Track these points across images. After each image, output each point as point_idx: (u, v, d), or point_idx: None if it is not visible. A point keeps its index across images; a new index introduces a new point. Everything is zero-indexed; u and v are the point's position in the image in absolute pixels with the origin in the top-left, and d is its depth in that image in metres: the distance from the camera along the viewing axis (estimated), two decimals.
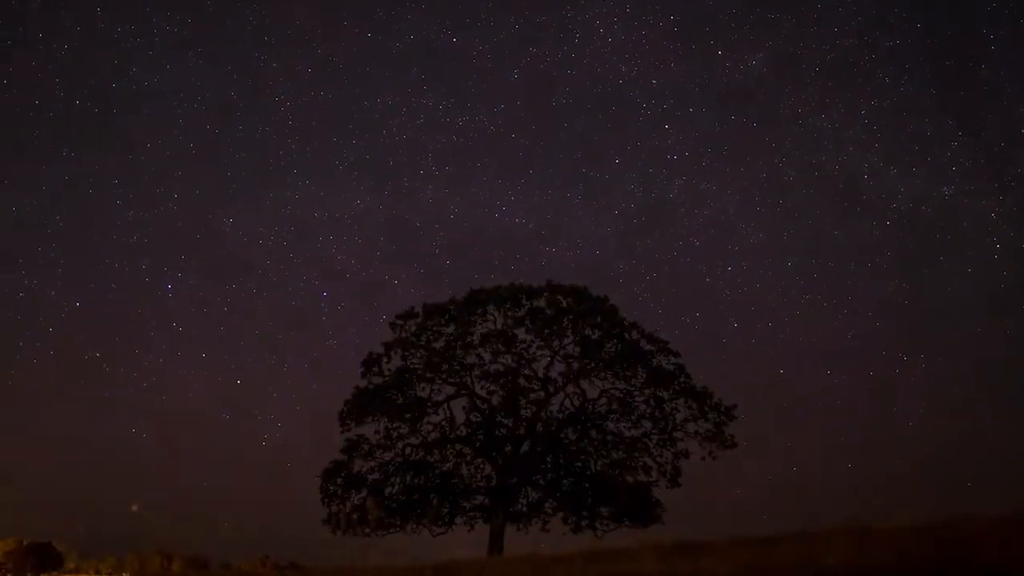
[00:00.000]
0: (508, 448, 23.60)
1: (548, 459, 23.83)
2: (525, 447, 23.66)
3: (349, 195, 44.80)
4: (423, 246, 45.07)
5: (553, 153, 44.89)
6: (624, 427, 23.85)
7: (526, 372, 23.78)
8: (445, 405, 23.99)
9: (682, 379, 23.92)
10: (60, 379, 44.70)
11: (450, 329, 24.40)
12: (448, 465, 23.77)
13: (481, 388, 23.87)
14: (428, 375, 23.87)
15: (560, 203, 44.60)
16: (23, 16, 42.92)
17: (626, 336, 23.87)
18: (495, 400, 23.67)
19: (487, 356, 23.90)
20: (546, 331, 23.90)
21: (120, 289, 45.17)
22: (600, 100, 44.36)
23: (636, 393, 23.79)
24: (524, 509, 23.58)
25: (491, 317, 24.45)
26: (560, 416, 23.80)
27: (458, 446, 23.95)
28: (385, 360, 24.57)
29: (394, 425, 23.66)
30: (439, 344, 24.28)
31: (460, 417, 23.99)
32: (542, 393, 23.68)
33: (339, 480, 23.53)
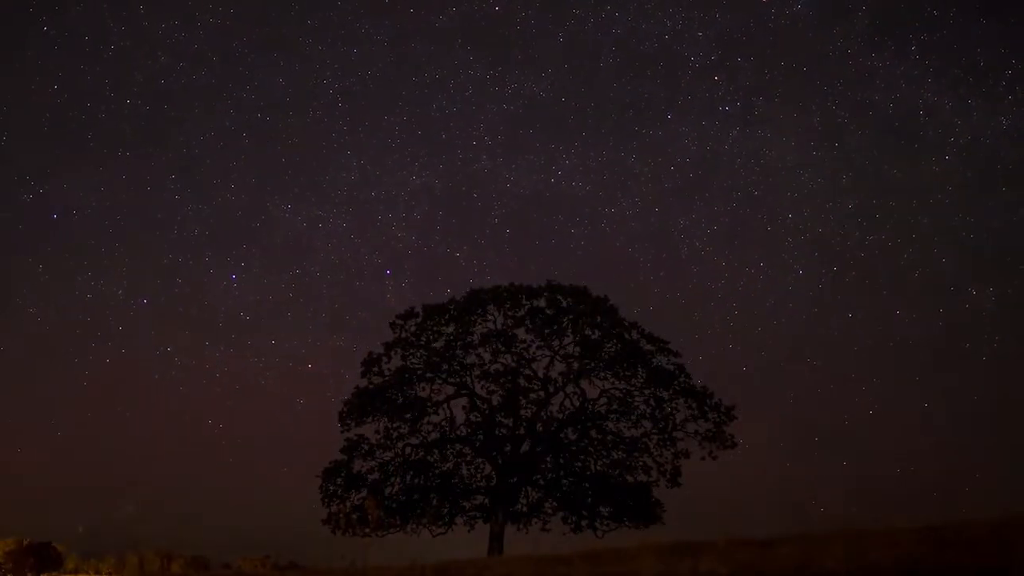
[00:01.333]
0: (508, 448, 23.61)
1: (548, 459, 23.85)
2: (525, 447, 23.68)
3: (404, 172, 45.01)
4: (482, 217, 45.48)
5: (604, 114, 45.14)
6: (624, 427, 23.90)
7: (526, 372, 23.80)
8: (445, 405, 24.02)
9: (682, 379, 23.95)
10: (136, 376, 45.26)
11: (450, 329, 24.43)
12: (448, 465, 23.79)
13: (481, 388, 23.92)
14: (428, 375, 23.89)
15: (615, 163, 44.91)
16: (67, 19, 43.40)
17: (626, 336, 23.89)
18: (495, 400, 23.70)
19: (487, 356, 23.94)
20: (546, 331, 23.92)
21: (187, 281, 45.83)
22: (647, 57, 44.68)
23: (636, 393, 23.82)
24: (524, 509, 23.60)
25: (491, 317, 24.48)
26: (560, 416, 23.82)
27: (458, 446, 23.97)
28: (385, 360, 24.61)
29: (394, 425, 23.69)
30: (439, 344, 24.31)
31: (460, 417, 24.05)
32: (542, 393, 23.70)
33: (339, 480, 23.56)
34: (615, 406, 23.78)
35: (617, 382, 23.85)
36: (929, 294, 42.56)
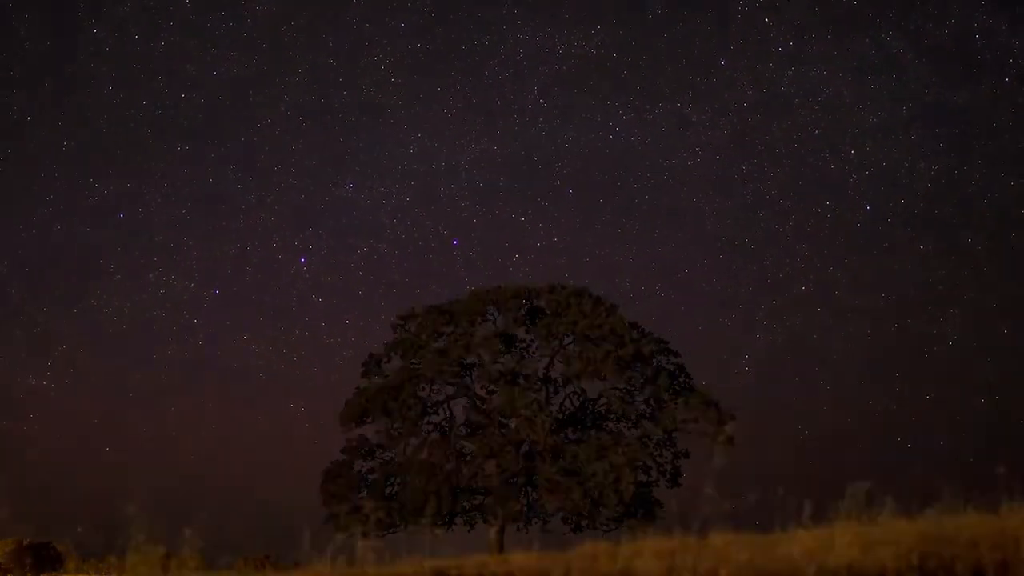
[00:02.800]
0: (508, 448, 23.59)
1: (548, 459, 23.82)
2: (525, 447, 23.67)
3: (463, 141, 45.10)
4: (544, 179, 45.75)
5: (657, 65, 45.21)
6: (624, 427, 23.89)
7: (526, 372, 23.80)
8: (445, 405, 24.05)
9: (682, 379, 23.95)
10: (215, 367, 45.82)
11: (450, 329, 24.44)
12: (448, 465, 23.78)
13: (481, 388, 23.92)
14: (428, 375, 23.90)
15: (672, 114, 45.01)
16: (114, 19, 43.79)
17: (626, 336, 23.89)
18: (495, 400, 23.69)
19: (487, 356, 23.92)
20: (546, 331, 23.92)
21: (256, 269, 46.18)
22: (695, 4, 44.89)
23: (636, 393, 23.82)
24: (524, 509, 23.59)
25: (491, 317, 24.50)
26: (560, 416, 23.82)
27: (458, 446, 23.97)
28: (385, 360, 24.64)
29: (394, 425, 23.69)
30: (439, 344, 24.31)
31: (460, 417, 24.06)
32: (542, 393, 23.70)
33: (339, 480, 23.56)
34: (615, 406, 23.77)
35: (617, 382, 23.85)
36: (995, 218, 42.19)
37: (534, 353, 24.01)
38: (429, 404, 23.79)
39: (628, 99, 45.21)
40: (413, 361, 24.29)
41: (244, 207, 46.31)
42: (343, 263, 46.16)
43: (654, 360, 23.85)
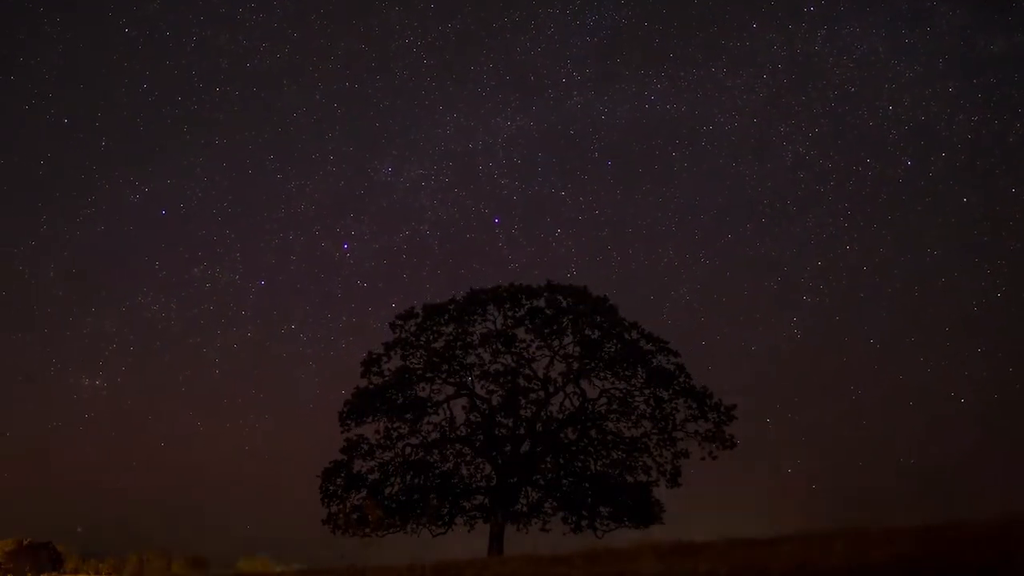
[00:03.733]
0: (508, 448, 23.62)
1: (548, 459, 23.85)
2: (525, 447, 23.69)
3: (499, 118, 45.38)
4: (582, 152, 45.96)
5: (689, 32, 45.33)
6: (624, 427, 23.91)
7: (526, 372, 23.82)
8: (445, 405, 24.05)
9: (682, 379, 23.97)
10: (264, 357, 46.37)
11: (450, 329, 24.45)
12: (448, 465, 23.80)
13: (481, 388, 23.94)
14: (428, 375, 23.91)
15: (707, 80, 45.12)
16: (145, 17, 44.21)
17: (626, 336, 23.91)
18: (495, 400, 23.72)
19: (487, 356, 23.95)
20: (546, 331, 23.93)
21: (300, 257, 46.50)
22: None
23: (636, 393, 23.84)
24: (524, 509, 23.61)
25: (491, 317, 24.51)
26: (560, 416, 23.84)
27: (458, 446, 23.98)
28: (385, 360, 24.64)
29: (394, 425, 23.71)
30: (439, 344, 24.33)
31: (460, 417, 24.06)
32: (542, 393, 23.71)
33: (339, 480, 23.58)
34: (615, 406, 23.79)
35: (617, 382, 23.87)
36: None
37: (534, 353, 24.02)
38: (429, 404, 23.80)
39: (662, 67, 45.27)
40: (412, 361, 24.30)
41: (284, 197, 46.81)
42: (386, 247, 46.32)
43: (654, 360, 23.85)
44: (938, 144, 42.80)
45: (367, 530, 22.52)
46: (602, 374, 23.80)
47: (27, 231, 45.82)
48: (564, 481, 23.75)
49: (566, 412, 23.90)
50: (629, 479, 23.41)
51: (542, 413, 23.69)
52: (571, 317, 24.11)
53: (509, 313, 24.32)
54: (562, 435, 23.86)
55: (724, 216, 45.79)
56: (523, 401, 23.50)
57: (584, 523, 23.29)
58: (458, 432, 23.87)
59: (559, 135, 46.27)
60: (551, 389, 23.87)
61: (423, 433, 23.80)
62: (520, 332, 24.16)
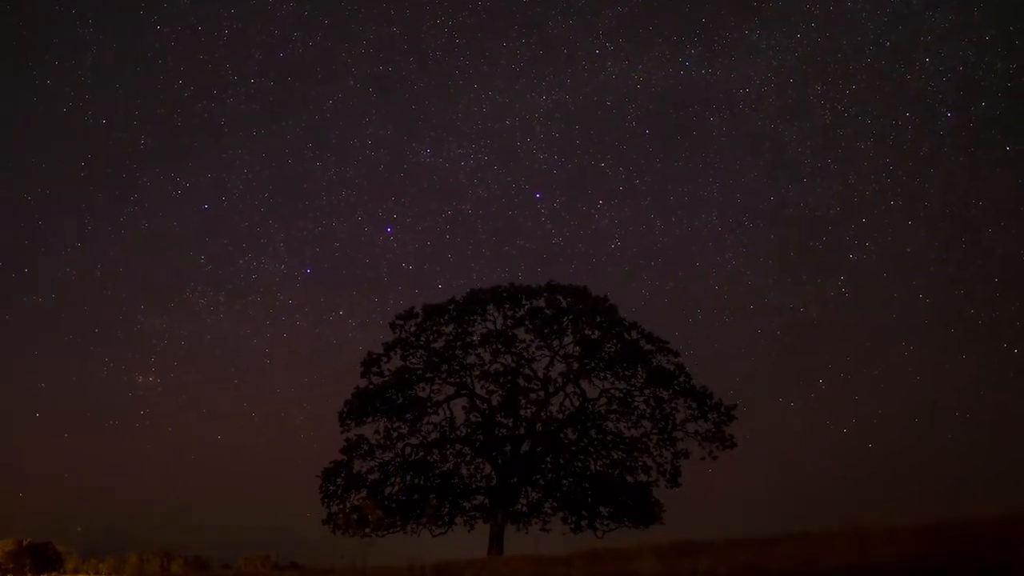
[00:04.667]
0: (508, 448, 23.62)
1: (548, 459, 23.85)
2: (525, 447, 23.69)
3: (534, 94, 45.59)
4: (619, 123, 46.18)
5: None
6: (624, 427, 23.91)
7: (526, 372, 23.81)
8: (445, 405, 24.05)
9: (682, 379, 23.96)
10: (316, 345, 46.93)
11: (449, 329, 24.45)
12: (448, 465, 23.80)
13: (481, 388, 23.94)
14: (428, 375, 23.91)
15: (740, 44, 45.15)
16: (176, 13, 44.58)
17: (626, 336, 23.90)
18: (495, 400, 23.71)
19: (487, 356, 23.95)
20: (546, 331, 23.93)
21: (344, 244, 47.01)
22: None
23: (636, 393, 23.83)
24: (524, 509, 23.61)
25: (491, 317, 24.51)
26: (560, 416, 23.83)
27: (458, 446, 23.98)
28: (385, 360, 24.65)
29: (394, 425, 23.71)
30: (439, 344, 24.33)
31: (460, 417, 24.06)
32: (542, 393, 23.71)
33: (339, 480, 23.57)
34: (615, 406, 23.79)
35: (617, 382, 23.87)
36: None
37: (533, 353, 24.02)
38: (429, 404, 23.79)
39: (695, 32, 45.27)
40: (412, 361, 24.30)
41: (325, 184, 46.64)
42: (429, 228, 46.26)
43: (653, 360, 23.85)
44: (977, 94, 42.54)
45: (367, 530, 22.51)
46: (602, 374, 23.81)
47: (72, 233, 45.90)
48: (564, 481, 23.75)
49: (566, 412, 23.90)
50: (629, 479, 23.41)
51: (542, 413, 23.69)
52: (571, 317, 24.11)
53: (509, 313, 24.32)
54: (562, 435, 23.86)
55: (765, 178, 45.83)
56: (523, 401, 23.49)
57: (584, 523, 23.30)
58: (458, 432, 23.87)
59: (595, 107, 46.33)
60: (551, 389, 23.86)
61: (423, 433, 23.81)
62: (520, 332, 24.18)
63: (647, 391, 23.74)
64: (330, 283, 46.86)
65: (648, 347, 23.92)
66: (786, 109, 45.54)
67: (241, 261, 45.06)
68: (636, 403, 23.77)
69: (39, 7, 44.74)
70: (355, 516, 22.76)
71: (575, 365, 23.75)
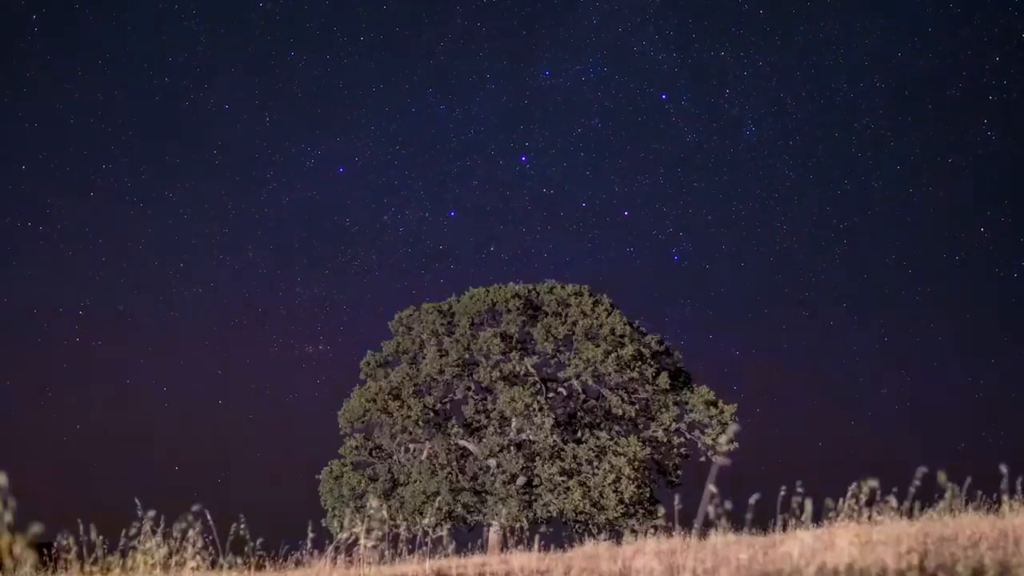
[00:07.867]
0: (510, 449, 23.59)
1: (548, 459, 23.80)
2: (527, 448, 23.65)
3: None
4: (736, 9, 45.84)
5: None
6: (624, 427, 23.87)
7: (529, 373, 23.79)
8: (447, 406, 24.03)
9: (682, 379, 23.93)
10: (472, 280, 48.09)
11: (451, 329, 24.44)
12: (451, 466, 23.77)
13: (483, 389, 23.90)
14: (428, 375, 23.89)
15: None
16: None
17: (626, 336, 23.88)
18: (495, 400, 23.67)
19: (492, 356, 23.90)
20: (546, 331, 23.90)
21: (482, 182, 48.52)
22: None
23: (636, 393, 23.81)
24: (525, 509, 23.55)
25: (495, 318, 24.50)
26: (560, 416, 23.81)
27: (460, 446, 23.96)
28: (385, 360, 24.65)
29: (394, 425, 23.69)
30: (439, 344, 24.30)
31: (462, 419, 24.03)
32: (543, 393, 23.68)
33: (339, 480, 23.58)
34: (616, 405, 23.76)
35: (620, 381, 23.84)
36: None
37: (534, 353, 23.98)
38: (430, 404, 23.77)
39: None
40: (413, 361, 24.28)
41: (452, 126, 47.60)
42: (564, 150, 46.78)
43: (653, 360, 23.83)
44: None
45: (367, 530, 22.49)
46: (603, 374, 23.78)
47: (218, 220, 46.53)
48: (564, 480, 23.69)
49: (567, 413, 23.89)
50: (629, 479, 23.36)
51: (543, 413, 23.66)
52: (571, 317, 24.09)
53: (513, 314, 24.29)
54: (562, 436, 23.84)
55: (890, 35, 45.38)
56: (524, 401, 23.45)
57: (584, 523, 23.27)
58: (459, 432, 23.85)
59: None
60: (555, 389, 23.85)
61: (425, 434, 23.78)
62: (525, 333, 24.18)
63: (648, 390, 23.72)
64: (476, 221, 48.68)
65: (651, 348, 23.85)
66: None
67: (386, 217, 46.10)
68: (636, 403, 23.77)
69: (150, 10, 44.42)
70: (355, 516, 22.75)
71: (578, 365, 23.72)
